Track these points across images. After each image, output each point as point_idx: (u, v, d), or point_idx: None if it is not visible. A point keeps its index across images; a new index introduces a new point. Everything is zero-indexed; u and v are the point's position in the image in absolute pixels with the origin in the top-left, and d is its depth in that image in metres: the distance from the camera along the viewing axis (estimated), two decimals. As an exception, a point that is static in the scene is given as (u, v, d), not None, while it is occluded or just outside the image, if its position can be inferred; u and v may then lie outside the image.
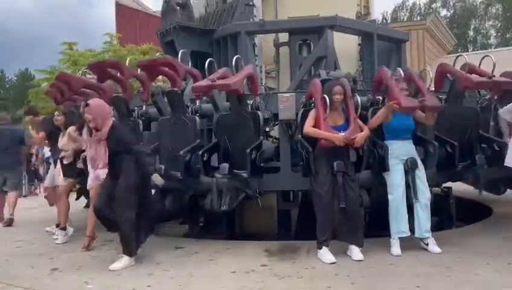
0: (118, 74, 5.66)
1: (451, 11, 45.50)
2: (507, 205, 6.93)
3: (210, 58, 5.63)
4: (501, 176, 5.58)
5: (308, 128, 4.54)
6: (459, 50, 35.44)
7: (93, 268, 4.46)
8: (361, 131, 4.55)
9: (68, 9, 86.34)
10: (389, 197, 4.60)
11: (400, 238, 4.56)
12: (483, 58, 5.72)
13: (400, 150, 4.62)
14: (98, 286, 3.94)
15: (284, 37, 7.28)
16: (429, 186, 4.75)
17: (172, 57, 5.70)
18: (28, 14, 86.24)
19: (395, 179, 4.58)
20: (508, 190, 6.24)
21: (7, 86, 48.26)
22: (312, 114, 4.60)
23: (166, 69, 5.47)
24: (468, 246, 4.74)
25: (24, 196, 12.06)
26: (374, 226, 5.61)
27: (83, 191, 6.86)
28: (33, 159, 13.52)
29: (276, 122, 5.31)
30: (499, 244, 4.82)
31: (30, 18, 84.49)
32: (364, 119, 4.91)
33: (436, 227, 5.45)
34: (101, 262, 4.66)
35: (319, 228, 4.45)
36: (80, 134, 5.30)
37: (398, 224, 4.55)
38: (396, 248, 4.53)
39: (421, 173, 4.63)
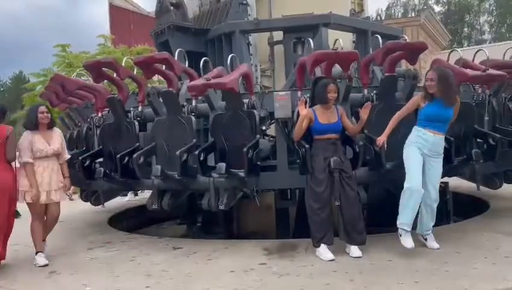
0: (114, 75, 5.65)
1: (446, 7, 45.66)
2: (504, 199, 6.96)
3: (205, 58, 5.62)
4: (497, 170, 5.61)
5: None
6: (454, 46, 35.52)
7: (91, 270, 4.45)
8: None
9: (61, 11, 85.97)
10: (405, 184, 4.30)
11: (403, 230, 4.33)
12: (477, 52, 5.74)
13: (423, 143, 4.32)
14: (96, 288, 3.93)
15: (278, 35, 7.28)
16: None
17: (169, 54, 5.67)
18: (19, 16, 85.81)
19: (413, 168, 4.29)
20: (505, 184, 6.26)
21: (2, 89, 48.16)
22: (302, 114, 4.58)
23: (163, 67, 5.45)
24: (465, 241, 4.75)
25: None
26: (372, 223, 5.62)
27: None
28: None
29: (272, 121, 5.31)
30: (497, 238, 4.83)
31: (21, 20, 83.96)
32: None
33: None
34: (100, 264, 4.65)
35: (315, 226, 4.43)
36: None
37: (403, 215, 4.33)
38: (406, 240, 4.28)
39: (432, 173, 4.39)
